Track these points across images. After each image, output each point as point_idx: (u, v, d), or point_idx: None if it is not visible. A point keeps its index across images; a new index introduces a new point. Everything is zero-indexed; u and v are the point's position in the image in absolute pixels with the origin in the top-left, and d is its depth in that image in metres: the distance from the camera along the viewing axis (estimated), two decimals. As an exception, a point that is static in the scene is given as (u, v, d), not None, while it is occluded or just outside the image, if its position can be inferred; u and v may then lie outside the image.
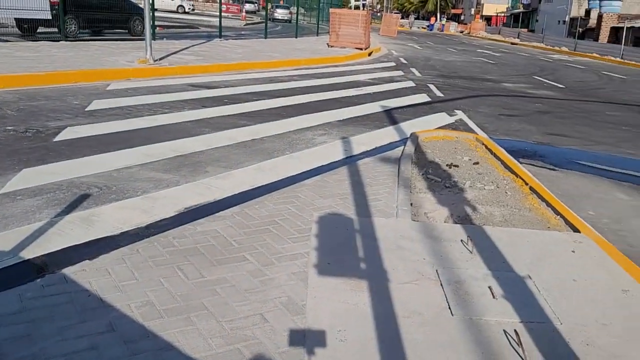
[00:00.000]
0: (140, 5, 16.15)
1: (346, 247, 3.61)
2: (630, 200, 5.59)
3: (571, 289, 3.26)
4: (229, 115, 7.76)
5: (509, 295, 3.11)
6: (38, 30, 15.25)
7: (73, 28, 14.98)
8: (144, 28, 16.87)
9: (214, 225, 3.85)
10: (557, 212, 4.54)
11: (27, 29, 14.75)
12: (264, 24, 23.81)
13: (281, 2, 48.11)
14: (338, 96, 10.21)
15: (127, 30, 17.14)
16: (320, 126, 7.53)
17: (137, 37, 16.74)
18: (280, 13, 42.56)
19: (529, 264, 3.53)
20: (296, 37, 24.39)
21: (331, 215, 4.17)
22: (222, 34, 19.76)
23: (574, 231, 4.19)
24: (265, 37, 21.99)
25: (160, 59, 12.17)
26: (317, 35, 27.43)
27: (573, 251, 3.78)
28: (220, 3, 19.69)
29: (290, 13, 42.72)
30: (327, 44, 20.87)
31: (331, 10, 22.05)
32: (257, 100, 9.08)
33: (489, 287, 3.16)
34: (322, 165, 5.64)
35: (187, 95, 8.99)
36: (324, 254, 3.49)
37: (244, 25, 33.46)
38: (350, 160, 5.87)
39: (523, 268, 3.47)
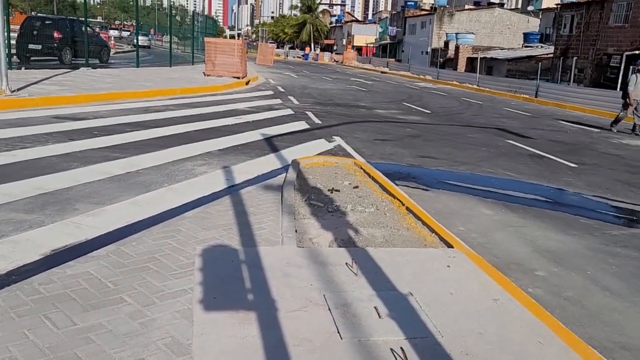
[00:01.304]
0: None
1: (232, 279, 3.52)
2: (493, 215, 6.07)
3: (449, 302, 3.43)
4: (99, 148, 7.31)
5: (393, 313, 3.20)
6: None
7: (69, 57, 19.41)
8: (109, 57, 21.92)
9: (86, 266, 3.56)
10: (432, 230, 4.80)
11: None
12: (135, 52, 23.01)
13: (152, 31, 47.08)
14: (217, 125, 10.09)
15: (98, 59, 21.31)
16: (200, 156, 7.36)
17: (104, 64, 21.12)
18: (140, 40, 41.69)
19: (410, 282, 3.67)
20: (170, 66, 23.85)
21: (215, 247, 4.05)
22: (90, 62, 18.76)
23: (448, 247, 4.45)
24: (137, 66, 21.25)
25: (19, 89, 11.23)
26: (193, 64, 27.05)
27: (448, 266, 4.00)
28: (86, 29, 18.67)
29: (150, 40, 42.17)
30: (204, 73, 20.63)
31: (206, 39, 21.90)
32: (131, 131, 8.67)
33: (375, 308, 3.23)
34: (204, 196, 5.49)
35: (51, 128, 8.36)
36: (210, 288, 3.37)
37: (113, 53, 32.03)
38: (232, 190, 5.78)
39: (405, 286, 3.61)
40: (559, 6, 34.87)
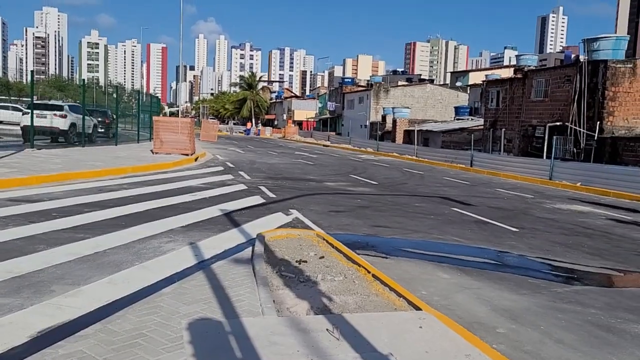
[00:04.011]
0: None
1: (223, 350, 3.69)
2: (450, 279, 6.49)
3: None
4: (62, 229, 7.32)
5: (379, 373, 3.46)
6: None
7: (111, 135, 26.38)
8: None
9: (77, 345, 3.64)
10: (399, 295, 5.14)
11: None
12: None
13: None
14: (175, 202, 10.23)
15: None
16: (164, 233, 7.49)
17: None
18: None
19: (388, 343, 3.96)
20: (116, 145, 23.83)
21: (200, 320, 4.21)
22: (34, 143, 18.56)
23: (416, 309, 4.79)
24: (83, 146, 21.12)
25: (-33, 172, 11.03)
26: (138, 142, 27.11)
27: (420, 327, 4.32)
28: (32, 112, 18.57)
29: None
30: (152, 150, 20.76)
31: (155, 118, 22.22)
32: (90, 211, 8.70)
33: (361, 368, 3.48)
34: (177, 273, 5.63)
35: (8, 211, 8.27)
36: (203, 359, 3.52)
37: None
38: (204, 265, 5.95)
39: (384, 347, 3.88)
40: (484, 82, 37.72)
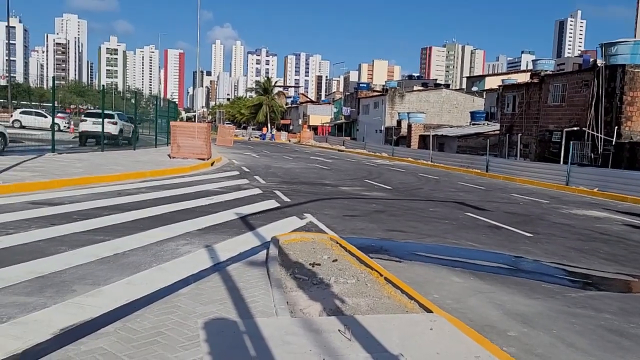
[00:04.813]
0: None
1: (238, 349, 3.80)
2: (463, 283, 6.54)
3: (437, 360, 3.80)
4: (83, 231, 7.51)
5: (390, 372, 3.54)
6: None
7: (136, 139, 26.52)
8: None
9: (98, 342, 3.78)
10: (411, 298, 5.21)
11: None
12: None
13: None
14: (191, 206, 10.40)
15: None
16: (181, 236, 7.64)
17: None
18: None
19: (399, 344, 4.04)
20: (134, 149, 24.19)
21: (216, 320, 4.33)
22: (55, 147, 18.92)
23: (428, 312, 4.85)
24: (102, 150, 21.49)
25: (-9, 175, 11.33)
26: (156, 147, 27.47)
27: (431, 329, 4.39)
28: (54, 117, 18.99)
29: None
30: (169, 155, 21.04)
31: (172, 123, 22.53)
32: (109, 214, 8.89)
33: (373, 368, 3.56)
34: (193, 274, 5.76)
35: (31, 214, 8.50)
36: (218, 357, 3.63)
37: (73, 137, 32.15)
38: (219, 267, 6.08)
39: (395, 348, 3.96)
40: (501, 87, 37.52)
